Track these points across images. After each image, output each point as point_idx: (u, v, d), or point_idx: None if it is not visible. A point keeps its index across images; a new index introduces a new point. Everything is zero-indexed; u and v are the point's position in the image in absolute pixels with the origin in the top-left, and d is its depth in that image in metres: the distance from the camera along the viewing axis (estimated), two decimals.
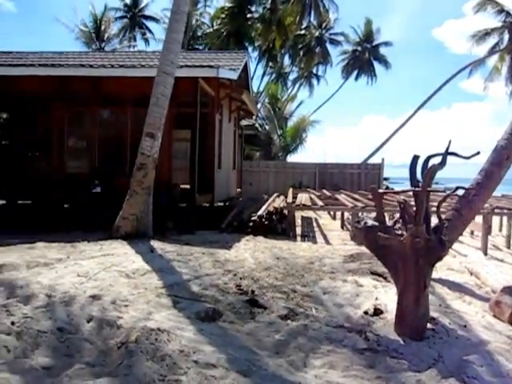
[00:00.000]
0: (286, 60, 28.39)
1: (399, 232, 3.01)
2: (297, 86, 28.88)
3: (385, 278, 4.12)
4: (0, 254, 4.80)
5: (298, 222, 9.44)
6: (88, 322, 2.91)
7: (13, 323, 2.79)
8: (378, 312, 3.31)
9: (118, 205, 6.85)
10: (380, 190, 3.49)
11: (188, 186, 10.00)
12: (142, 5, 31.19)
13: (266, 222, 7.33)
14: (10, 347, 2.52)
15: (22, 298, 3.20)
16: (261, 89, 26.30)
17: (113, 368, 2.39)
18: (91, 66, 8.81)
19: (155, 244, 5.53)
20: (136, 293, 3.49)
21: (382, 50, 28.87)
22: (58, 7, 53.58)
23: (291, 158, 23.15)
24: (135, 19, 33.18)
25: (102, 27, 31.31)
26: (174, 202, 7.60)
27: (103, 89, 9.07)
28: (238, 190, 13.62)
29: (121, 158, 9.72)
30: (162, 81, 6.03)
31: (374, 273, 4.35)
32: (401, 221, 3.05)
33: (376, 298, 3.60)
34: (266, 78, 27.50)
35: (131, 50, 29.38)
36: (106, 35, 31.82)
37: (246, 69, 11.55)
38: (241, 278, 4.08)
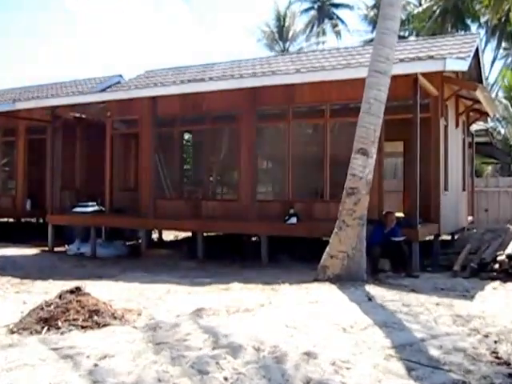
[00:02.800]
0: None
1: None
2: None
3: None
4: (196, 295, 5.99)
5: None
6: None
7: (226, 379, 3.20)
8: None
9: (318, 238, 7.63)
10: None
11: (402, 215, 10.13)
12: None
13: None
14: None
15: (229, 349, 3.68)
16: (490, 80, 23.88)
17: None
18: (286, 73, 10.16)
19: (372, 290, 5.82)
20: (358, 352, 3.71)
21: None
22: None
23: None
24: (324, 9, 35.66)
25: (286, 24, 35.03)
26: (388, 236, 7.82)
27: (296, 98, 10.42)
28: (470, 218, 12.85)
29: (319, 181, 10.70)
30: (375, 82, 6.42)
31: None
32: None
33: None
34: (497, 64, 24.93)
35: (320, 47, 31.64)
36: (291, 33, 35.35)
37: (476, 55, 11.10)
38: (495, 342, 3.96)
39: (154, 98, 10.53)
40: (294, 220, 9.58)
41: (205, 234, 10.59)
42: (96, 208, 12.08)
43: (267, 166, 13.40)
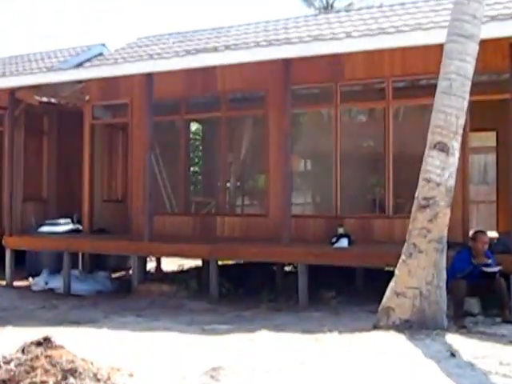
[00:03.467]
0: None
1: None
2: None
3: None
4: (210, 349, 6.00)
5: None
6: None
7: None
8: None
9: (378, 269, 7.56)
10: None
11: (496, 235, 9.97)
12: None
13: None
14: None
15: None
16: None
17: None
18: (333, 38, 10.16)
19: (456, 341, 5.77)
20: None
21: None
22: None
23: None
24: None
25: None
26: (477, 266, 7.70)
27: (345, 73, 10.51)
28: None
29: (378, 189, 10.68)
30: (458, 50, 6.35)
31: None
32: None
33: None
34: None
35: (376, 1, 31.54)
36: None
37: None
38: None
39: (149, 76, 10.70)
40: (344, 243, 9.56)
41: (220, 263, 10.67)
42: (71, 227, 12.32)
43: (305, 167, 13.48)
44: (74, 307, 9.76)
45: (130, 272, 11.70)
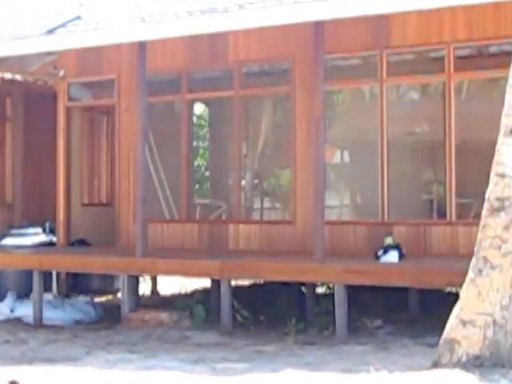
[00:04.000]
0: None
1: None
2: None
3: None
4: None
5: None
6: None
7: None
8: None
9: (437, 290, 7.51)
10: None
11: None
12: None
13: None
14: None
15: None
16: None
17: None
18: None
19: None
20: None
21: None
22: None
23: None
24: None
25: None
26: None
27: (393, 38, 10.49)
28: None
29: (436, 187, 10.64)
30: None
31: None
32: None
33: None
34: None
35: None
36: None
37: None
38: None
39: (141, 44, 10.70)
40: (393, 257, 9.54)
41: (233, 283, 10.71)
42: (42, 238, 12.37)
43: (341, 159, 13.46)
44: (47, 341, 9.79)
45: (119, 296, 11.77)
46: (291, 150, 11.18)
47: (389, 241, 9.84)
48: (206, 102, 14.36)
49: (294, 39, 10.65)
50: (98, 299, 12.61)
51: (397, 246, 9.67)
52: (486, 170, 6.72)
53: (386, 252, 9.64)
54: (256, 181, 13.54)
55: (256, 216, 13.17)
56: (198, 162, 15.14)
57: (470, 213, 9.90)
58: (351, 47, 10.78)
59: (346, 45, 10.69)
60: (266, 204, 13.73)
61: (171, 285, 13.99)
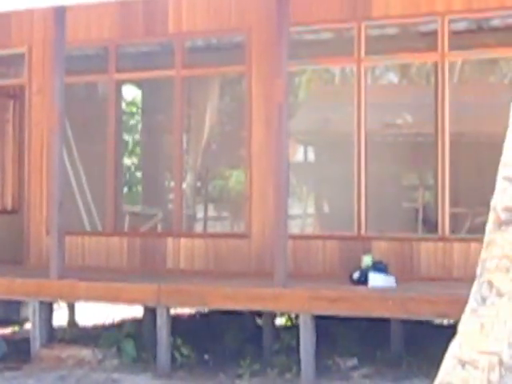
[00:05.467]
0: None
1: None
2: None
3: None
4: None
5: None
6: None
7: None
8: None
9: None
10: None
11: None
12: None
13: None
14: None
15: None
16: None
17: None
18: None
19: None
20: None
21: None
22: None
23: None
24: None
25: None
26: None
27: (373, 7, 10.52)
28: None
29: (424, 192, 10.62)
30: None
31: None
32: None
33: None
34: None
35: None
36: None
37: None
38: None
39: (59, 10, 10.55)
40: (376, 280, 9.57)
41: (173, 311, 10.65)
42: None
43: (305, 157, 13.50)
44: None
45: (27, 327, 11.60)
46: (246, 145, 11.09)
47: (367, 260, 9.82)
48: (139, 84, 14.30)
49: (250, 7, 10.59)
50: (1, 331, 12.40)
51: (381, 266, 9.66)
52: (489, 172, 6.72)
53: (362, 274, 9.64)
54: (199, 184, 13.47)
55: (200, 228, 13.10)
56: (128, 160, 14.99)
57: (467, 226, 9.92)
58: (322, 18, 10.75)
59: (316, 15, 10.67)
60: (213, 213, 13.68)
61: (92, 314, 13.86)
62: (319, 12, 10.64)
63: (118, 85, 12.85)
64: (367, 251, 10.02)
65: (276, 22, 9.73)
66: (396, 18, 10.69)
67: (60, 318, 13.16)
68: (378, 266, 9.69)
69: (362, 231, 10.51)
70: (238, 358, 10.05)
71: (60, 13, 10.51)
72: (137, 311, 12.73)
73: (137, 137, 15.58)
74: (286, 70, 9.72)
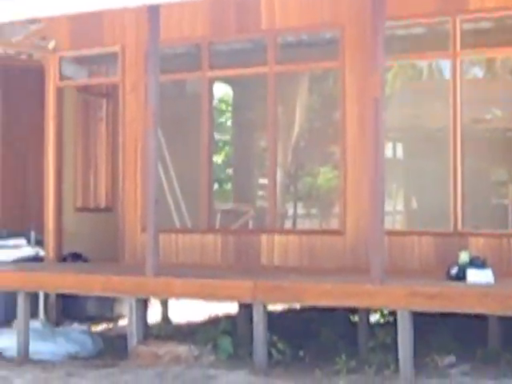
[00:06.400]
0: None
1: None
2: None
3: None
4: None
5: None
6: None
7: None
8: None
9: None
10: None
11: None
12: None
13: None
14: None
15: None
16: None
17: None
18: None
19: None
20: None
21: None
22: None
23: None
24: None
25: None
26: None
27: (471, 1, 10.48)
28: None
29: None
30: None
31: None
32: None
33: None
34: None
35: None
36: None
37: None
38: None
39: (153, 9, 10.61)
40: (475, 276, 9.47)
41: (270, 308, 10.70)
42: (27, 252, 12.35)
43: (394, 154, 13.44)
44: (35, 380, 9.79)
45: (120, 324, 11.74)
46: (340, 141, 11.09)
47: (464, 257, 9.75)
48: (230, 82, 14.34)
49: (343, 1, 10.60)
50: (94, 328, 12.62)
51: (479, 262, 9.59)
52: None
53: (461, 270, 9.58)
54: (290, 181, 13.52)
55: (290, 225, 13.15)
56: (218, 158, 15.08)
57: None
58: (415, 12, 10.70)
59: (410, 9, 10.61)
60: (305, 210, 13.71)
61: (184, 310, 13.99)
62: (413, 7, 10.58)
63: (211, 82, 12.91)
64: (464, 247, 9.92)
65: (371, 17, 9.74)
66: (491, 11, 10.57)
67: (153, 314, 13.41)
68: (476, 262, 9.59)
69: (459, 227, 10.46)
70: (333, 354, 10.02)
71: (153, 11, 10.66)
72: (229, 307, 12.86)
73: (226, 134, 15.61)
74: (383, 65, 9.74)
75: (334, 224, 11.55)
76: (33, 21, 12.06)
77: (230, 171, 15.82)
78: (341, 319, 11.47)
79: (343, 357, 9.78)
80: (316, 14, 11.08)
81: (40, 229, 12.29)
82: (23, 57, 13.27)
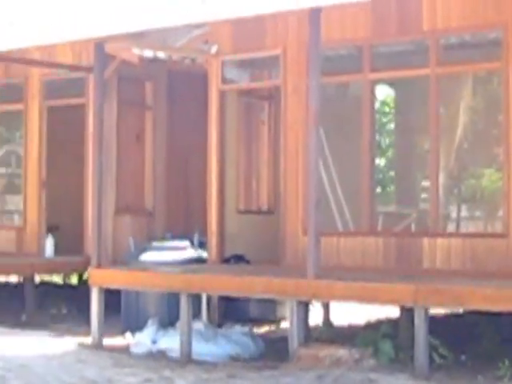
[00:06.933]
0: None
1: None
2: None
3: None
4: None
5: None
6: None
7: None
8: None
9: None
10: None
11: None
12: None
13: None
14: None
15: None
16: None
17: None
18: None
19: None
20: None
21: None
22: None
23: None
24: None
25: None
26: None
27: None
28: None
29: None
30: None
31: None
32: None
33: None
34: None
35: None
36: None
37: None
38: None
39: (314, 11, 10.53)
40: None
41: (432, 312, 10.62)
42: (190, 253, 12.58)
43: None
44: (197, 381, 9.97)
45: (282, 326, 11.82)
46: (504, 143, 10.90)
47: None
48: (392, 84, 14.28)
49: (507, 1, 10.42)
50: (256, 330, 12.76)
51: None
52: None
53: None
54: (452, 183, 13.35)
55: (453, 227, 12.99)
56: (380, 160, 15.03)
57: None
58: None
59: None
60: (464, 212, 13.52)
61: (344, 313, 14.04)
62: None
63: (373, 85, 12.90)
64: None
65: None
66: None
67: (314, 317, 13.41)
68: None
69: None
70: (495, 359, 9.90)
71: (315, 14, 10.77)
72: (390, 311, 12.79)
73: (389, 136, 15.54)
74: None
75: (498, 227, 11.30)
76: (197, 25, 12.25)
77: (392, 173, 15.71)
78: (505, 323, 11.24)
79: (506, 362, 9.62)
80: (479, 14, 10.90)
81: (203, 231, 12.46)
82: (187, 61, 13.44)
